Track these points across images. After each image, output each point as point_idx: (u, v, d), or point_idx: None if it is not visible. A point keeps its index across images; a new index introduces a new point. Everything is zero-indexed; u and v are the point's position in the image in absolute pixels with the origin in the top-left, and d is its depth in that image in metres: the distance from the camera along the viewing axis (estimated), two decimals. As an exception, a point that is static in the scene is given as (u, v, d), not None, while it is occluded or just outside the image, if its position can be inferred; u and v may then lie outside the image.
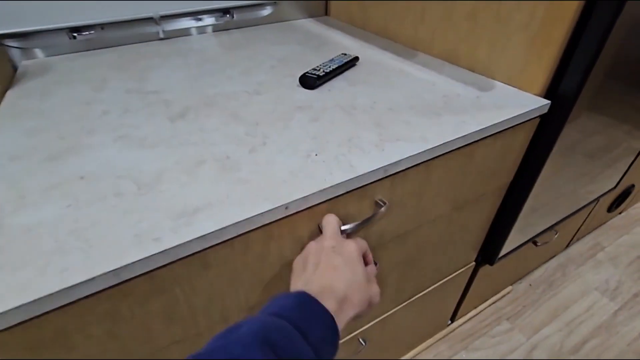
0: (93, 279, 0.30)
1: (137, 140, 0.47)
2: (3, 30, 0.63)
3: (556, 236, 1.01)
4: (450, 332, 1.07)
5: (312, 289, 0.34)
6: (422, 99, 0.57)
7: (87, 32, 0.70)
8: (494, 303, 1.14)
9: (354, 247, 0.39)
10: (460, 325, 1.08)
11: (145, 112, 0.53)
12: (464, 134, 0.49)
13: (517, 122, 0.55)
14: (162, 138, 0.47)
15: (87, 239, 0.33)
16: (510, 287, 1.18)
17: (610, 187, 0.97)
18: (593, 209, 1.15)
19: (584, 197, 0.90)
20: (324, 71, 0.61)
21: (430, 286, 0.79)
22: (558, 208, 0.84)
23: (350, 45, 0.78)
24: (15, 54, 0.67)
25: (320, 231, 0.42)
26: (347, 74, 0.65)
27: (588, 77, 0.54)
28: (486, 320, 1.10)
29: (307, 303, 0.32)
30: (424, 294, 0.79)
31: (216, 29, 0.84)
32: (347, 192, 0.42)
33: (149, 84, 0.61)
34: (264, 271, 0.43)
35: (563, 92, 0.56)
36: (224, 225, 0.35)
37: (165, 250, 0.32)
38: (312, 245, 0.39)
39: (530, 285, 1.20)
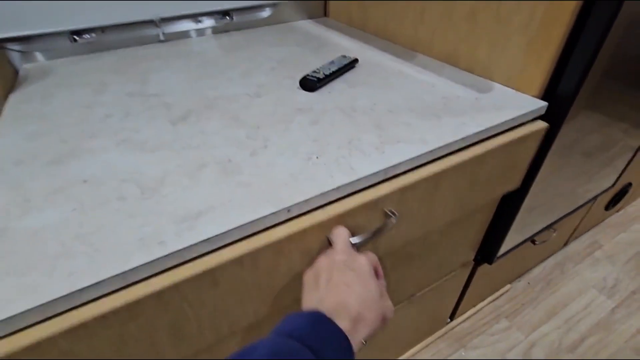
0: (100, 282, 0.30)
1: (139, 143, 0.47)
2: (4, 34, 0.63)
3: (554, 235, 1.01)
4: (449, 330, 1.07)
5: (326, 307, 0.33)
6: (421, 101, 0.57)
7: (87, 35, 0.71)
8: (492, 301, 1.15)
9: (365, 262, 0.38)
10: (459, 323, 1.09)
11: (146, 115, 0.53)
12: (463, 136, 0.49)
13: (517, 123, 0.55)
14: (163, 141, 0.48)
15: (92, 242, 0.33)
16: (508, 286, 1.19)
17: (607, 186, 0.98)
18: (591, 207, 1.16)
19: (581, 195, 0.90)
20: (324, 74, 0.61)
21: (429, 285, 0.79)
22: (556, 207, 0.85)
23: (349, 46, 0.78)
24: (16, 57, 0.67)
25: (329, 243, 0.41)
26: (347, 75, 0.65)
27: (586, 77, 0.54)
28: (485, 319, 1.11)
29: (321, 322, 0.31)
30: (423, 293, 0.79)
31: (216, 31, 0.84)
32: (357, 206, 0.41)
33: (150, 87, 0.61)
34: (273, 285, 0.42)
35: (561, 92, 0.57)
36: (227, 229, 0.35)
37: (170, 253, 0.33)
38: (323, 260, 0.38)
39: (528, 283, 1.21)
